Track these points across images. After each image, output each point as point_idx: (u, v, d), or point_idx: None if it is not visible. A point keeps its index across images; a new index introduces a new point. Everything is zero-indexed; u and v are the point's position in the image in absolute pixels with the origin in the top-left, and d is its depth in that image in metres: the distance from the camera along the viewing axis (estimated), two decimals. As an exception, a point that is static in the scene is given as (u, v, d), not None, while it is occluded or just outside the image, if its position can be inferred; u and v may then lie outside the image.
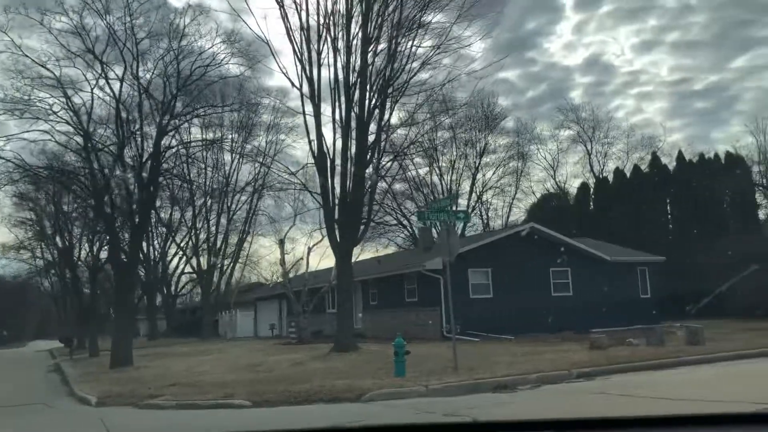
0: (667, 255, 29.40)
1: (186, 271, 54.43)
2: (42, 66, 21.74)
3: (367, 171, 20.07)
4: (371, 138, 19.88)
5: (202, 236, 48.71)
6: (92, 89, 22.06)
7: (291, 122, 42.19)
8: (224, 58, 23.54)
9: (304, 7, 19.56)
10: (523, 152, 49.36)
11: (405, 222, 47.63)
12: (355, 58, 19.59)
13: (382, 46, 19.74)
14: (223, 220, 48.26)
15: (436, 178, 47.60)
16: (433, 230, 28.25)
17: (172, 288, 57.37)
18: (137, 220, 22.72)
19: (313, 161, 19.56)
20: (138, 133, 22.32)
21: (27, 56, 21.92)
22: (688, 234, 33.90)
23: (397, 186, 45.73)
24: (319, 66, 19.54)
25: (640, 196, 37.00)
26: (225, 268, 49.53)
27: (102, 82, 22.03)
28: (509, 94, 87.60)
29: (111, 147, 22.63)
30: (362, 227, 20.33)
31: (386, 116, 20.02)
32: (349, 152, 19.37)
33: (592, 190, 43.63)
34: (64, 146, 24.21)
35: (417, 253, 31.59)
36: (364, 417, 9.19)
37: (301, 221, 38.79)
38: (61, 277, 49.35)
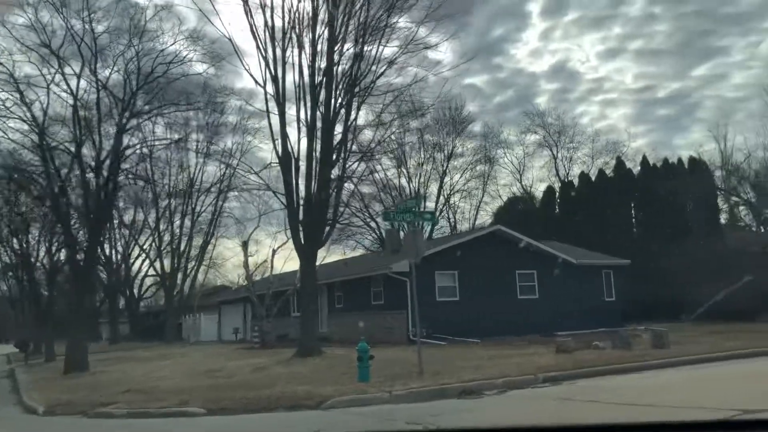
0: (632, 258, 29.62)
1: (150, 273, 53.50)
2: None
3: (333, 172, 19.69)
4: (337, 138, 19.50)
5: (167, 238, 47.87)
6: (48, 85, 21.31)
7: (258, 123, 41.62)
8: (187, 55, 22.96)
9: (268, 3, 19.15)
10: (490, 156, 49.67)
11: (373, 224, 47.39)
12: (321, 57, 19.24)
13: (348, 45, 19.42)
14: (188, 222, 47.53)
15: (404, 181, 47.55)
16: (401, 232, 28.00)
17: (136, 291, 56.29)
18: (95, 220, 21.98)
19: (277, 161, 19.11)
20: (96, 131, 21.59)
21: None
22: (652, 237, 34.24)
23: (365, 188, 45.49)
24: (284, 65, 19.15)
25: (605, 199, 37.29)
26: (189, 270, 48.68)
27: (59, 78, 21.30)
28: (477, 99, 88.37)
29: (68, 145, 21.87)
30: (327, 228, 19.92)
31: (353, 116, 19.66)
32: (314, 152, 18.98)
33: (557, 193, 43.90)
34: (21, 144, 23.37)
35: (384, 255, 31.31)
36: (323, 425, 8.85)
37: (266, 223, 38.24)
38: (19, 280, 47.94)
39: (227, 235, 47.73)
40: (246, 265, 28.62)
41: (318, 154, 18.89)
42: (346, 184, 27.07)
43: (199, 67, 25.37)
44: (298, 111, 19.03)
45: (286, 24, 18.87)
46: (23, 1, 20.59)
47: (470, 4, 49.65)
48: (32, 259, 37.55)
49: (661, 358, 13.92)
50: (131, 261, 53.79)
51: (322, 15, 19.11)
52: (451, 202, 50.01)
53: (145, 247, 50.66)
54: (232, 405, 10.95)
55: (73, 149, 21.65)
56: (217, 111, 42.40)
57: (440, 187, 48.77)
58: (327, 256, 33.53)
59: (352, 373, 12.93)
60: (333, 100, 19.07)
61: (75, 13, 20.73)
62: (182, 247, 47.39)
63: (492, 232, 28.11)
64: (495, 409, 9.81)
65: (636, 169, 40.32)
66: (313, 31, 19.04)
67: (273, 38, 18.99)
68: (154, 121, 40.78)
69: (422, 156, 48.02)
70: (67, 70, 21.27)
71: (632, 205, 38.47)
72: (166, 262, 47.54)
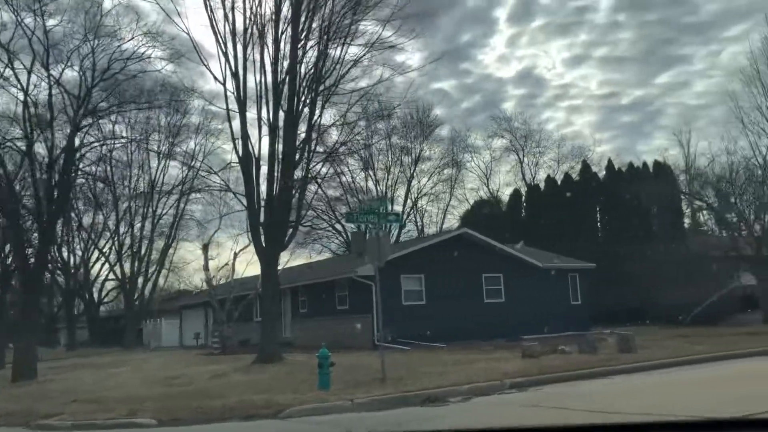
0: (597, 262, 29.65)
1: (110, 277, 52.09)
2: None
3: (296, 172, 19.17)
4: (301, 138, 18.98)
5: (128, 242, 46.68)
6: (-5, 79, 20.36)
7: (222, 124, 40.71)
8: (145, 51, 22.18)
9: (229, -3, 18.53)
10: (458, 160, 49.60)
11: (339, 227, 46.87)
12: (284, 54, 18.71)
13: (312, 43, 18.94)
14: (149, 225, 46.41)
15: (371, 184, 47.19)
16: (367, 234, 27.53)
17: (96, 295, 54.79)
18: (47, 221, 21.06)
19: (237, 161, 18.51)
20: (49, 128, 20.69)
21: None
22: (617, 241, 34.40)
23: (332, 191, 45.08)
24: (245, 61, 18.57)
25: (570, 203, 37.40)
26: (150, 274, 47.53)
27: (9, 72, 20.38)
28: (445, 104, 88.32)
29: (17, 142, 20.93)
30: (290, 231, 19.35)
31: (317, 116, 19.17)
32: (276, 152, 18.42)
33: (524, 197, 44.00)
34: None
35: (350, 258, 30.83)
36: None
37: (228, 226, 37.42)
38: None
39: (189, 238, 46.71)
40: (206, 268, 27.86)
41: (280, 154, 18.34)
42: (311, 186, 26.64)
43: (159, 65, 24.41)
44: (259, 109, 18.50)
45: (247, 20, 18.32)
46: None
47: (437, 6, 49.48)
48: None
49: (628, 363, 13.73)
50: (90, 265, 52.38)
51: (286, 11, 18.62)
52: (419, 205, 49.86)
53: (104, 250, 49.35)
54: (185, 415, 10.38)
55: (24, 147, 20.75)
56: (179, 111, 41.63)
57: (407, 191, 48.60)
58: (291, 259, 32.93)
59: (313, 381, 12.46)
60: (296, 99, 18.56)
61: (26, 5, 19.84)
62: (143, 251, 46.30)
63: (459, 236, 27.86)
64: (459, 418, 9.44)
65: (601, 174, 40.60)
66: (276, 28, 18.53)
67: (234, 34, 18.42)
68: (114, 121, 39.87)
69: (390, 159, 47.82)
70: (17, 65, 20.39)
71: (598, 208, 38.70)
72: (127, 266, 46.40)
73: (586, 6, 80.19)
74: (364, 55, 18.86)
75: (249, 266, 37.15)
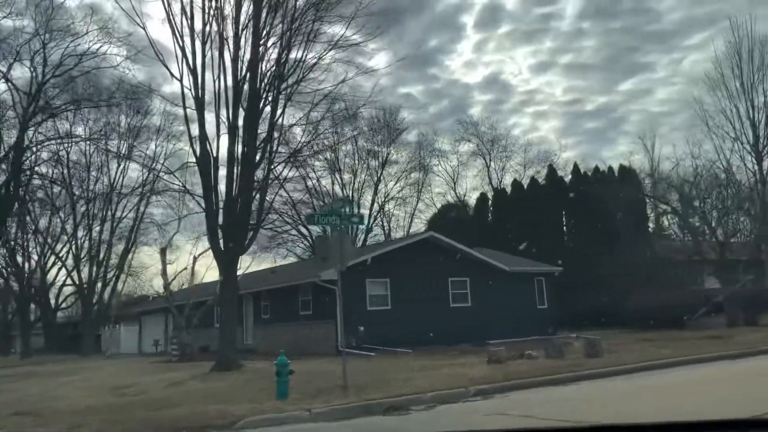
0: (564, 265, 29.57)
1: (68, 283, 50.51)
2: None
3: (257, 173, 18.55)
4: (262, 138, 18.36)
5: (86, 245, 45.24)
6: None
7: (184, 126, 39.81)
8: (101, 47, 21.34)
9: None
10: (425, 164, 49.41)
11: (305, 231, 46.19)
12: (245, 51, 18.11)
13: (274, 39, 18.36)
14: (108, 228, 45.05)
15: (338, 188, 46.67)
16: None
17: (52, 301, 53.07)
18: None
19: (194, 161, 17.81)
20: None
21: None
22: (583, 245, 34.44)
23: (298, 194, 44.46)
24: (204, 58, 17.90)
25: (537, 207, 37.32)
26: (109, 279, 46.15)
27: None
28: (413, 108, 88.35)
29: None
30: (250, 234, 18.68)
31: (278, 114, 18.56)
32: (236, 152, 17.77)
33: (490, 201, 43.91)
34: None
35: (315, 262, 30.23)
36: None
37: (188, 229, 36.50)
38: None
39: (149, 242, 45.52)
40: (164, 273, 26.95)
41: (239, 154, 17.70)
42: (274, 188, 25.99)
43: (116, 61, 23.55)
44: (218, 107, 17.85)
45: (206, 15, 17.67)
46: None
47: (403, 4, 49.23)
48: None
49: (595, 368, 13.42)
50: (47, 269, 50.69)
51: (247, 7, 18.02)
52: (386, 209, 49.50)
53: (62, 255, 47.77)
54: (133, 428, 9.75)
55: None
56: (140, 113, 40.68)
57: (374, 195, 48.23)
58: (256, 264, 32.28)
59: (273, 389, 11.87)
60: (258, 97, 17.95)
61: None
62: (102, 255, 44.92)
63: (425, 239, 27.48)
64: (422, 427, 9.00)
65: (567, 178, 40.68)
66: (237, 24, 17.91)
67: (192, 29, 17.76)
68: (71, 121, 38.66)
69: (356, 162, 47.39)
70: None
71: (564, 212, 38.69)
72: (86, 271, 44.99)
73: (551, 13, 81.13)
74: (327, 52, 18.38)
75: (209, 271, 36.24)
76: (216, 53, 17.88)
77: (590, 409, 9.05)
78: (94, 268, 44.66)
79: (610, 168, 38.96)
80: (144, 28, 18.75)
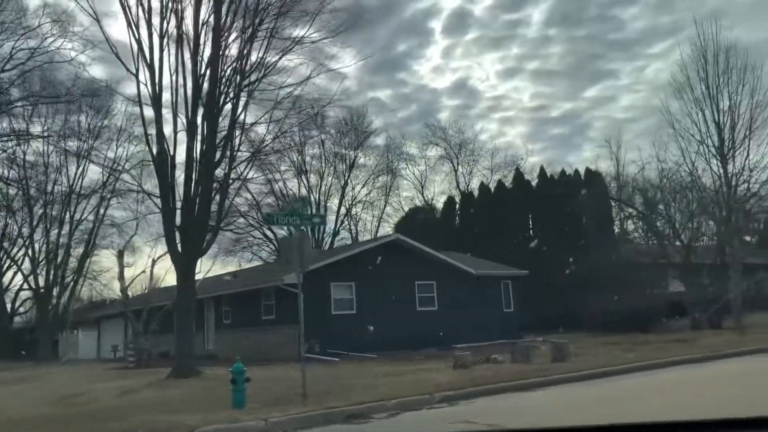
0: (530, 269, 29.42)
1: (24, 287, 48.90)
2: None
3: (217, 172, 17.91)
4: (222, 135, 17.74)
5: (44, 249, 43.81)
6: None
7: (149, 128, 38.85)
8: (53, 41, 20.47)
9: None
10: (393, 168, 49.15)
11: (270, 234, 45.47)
12: (205, 45, 17.49)
13: (236, 35, 17.78)
14: (67, 231, 43.71)
15: (304, 191, 46.06)
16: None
17: (8, 306, 51.37)
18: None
19: (150, 158, 17.12)
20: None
21: None
22: (549, 248, 34.38)
23: (264, 198, 43.75)
24: (161, 51, 17.21)
25: (504, 210, 37.25)
26: (67, 283, 44.74)
27: None
28: (381, 112, 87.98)
29: None
30: (209, 235, 18.01)
31: (240, 111, 17.95)
32: (194, 150, 17.12)
33: (458, 205, 43.77)
34: None
35: (278, 265, 29.57)
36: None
37: (147, 231, 35.54)
38: None
39: (109, 245, 44.27)
40: (121, 276, 26.01)
41: (198, 152, 17.06)
42: (238, 189, 25.32)
43: (71, 55, 22.66)
44: (175, 103, 17.16)
45: (163, 7, 16.99)
46: None
47: (369, 7, 48.81)
48: None
49: (562, 373, 13.16)
50: (2, 273, 49.02)
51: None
52: (353, 213, 49.09)
53: (17, 258, 46.22)
54: (76, 440, 9.11)
55: None
56: (100, 112, 39.66)
57: (342, 198, 47.78)
58: (219, 267, 31.47)
59: (230, 397, 11.32)
60: (218, 93, 17.34)
61: None
62: (59, 259, 43.53)
63: (392, 242, 27.06)
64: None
65: (534, 182, 40.70)
66: (196, 17, 17.29)
67: (149, 22, 17.05)
68: (27, 120, 37.45)
69: (323, 165, 46.90)
70: None
71: (530, 216, 38.66)
72: (42, 275, 43.52)
73: (518, 20, 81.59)
74: (291, 47, 17.84)
75: (169, 274, 35.32)
76: (174, 48, 17.22)
77: (561, 416, 8.70)
78: (52, 272, 43.33)
79: (577, 171, 39.11)
80: (98, 21, 17.97)
